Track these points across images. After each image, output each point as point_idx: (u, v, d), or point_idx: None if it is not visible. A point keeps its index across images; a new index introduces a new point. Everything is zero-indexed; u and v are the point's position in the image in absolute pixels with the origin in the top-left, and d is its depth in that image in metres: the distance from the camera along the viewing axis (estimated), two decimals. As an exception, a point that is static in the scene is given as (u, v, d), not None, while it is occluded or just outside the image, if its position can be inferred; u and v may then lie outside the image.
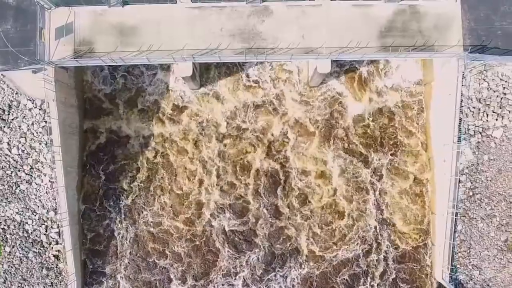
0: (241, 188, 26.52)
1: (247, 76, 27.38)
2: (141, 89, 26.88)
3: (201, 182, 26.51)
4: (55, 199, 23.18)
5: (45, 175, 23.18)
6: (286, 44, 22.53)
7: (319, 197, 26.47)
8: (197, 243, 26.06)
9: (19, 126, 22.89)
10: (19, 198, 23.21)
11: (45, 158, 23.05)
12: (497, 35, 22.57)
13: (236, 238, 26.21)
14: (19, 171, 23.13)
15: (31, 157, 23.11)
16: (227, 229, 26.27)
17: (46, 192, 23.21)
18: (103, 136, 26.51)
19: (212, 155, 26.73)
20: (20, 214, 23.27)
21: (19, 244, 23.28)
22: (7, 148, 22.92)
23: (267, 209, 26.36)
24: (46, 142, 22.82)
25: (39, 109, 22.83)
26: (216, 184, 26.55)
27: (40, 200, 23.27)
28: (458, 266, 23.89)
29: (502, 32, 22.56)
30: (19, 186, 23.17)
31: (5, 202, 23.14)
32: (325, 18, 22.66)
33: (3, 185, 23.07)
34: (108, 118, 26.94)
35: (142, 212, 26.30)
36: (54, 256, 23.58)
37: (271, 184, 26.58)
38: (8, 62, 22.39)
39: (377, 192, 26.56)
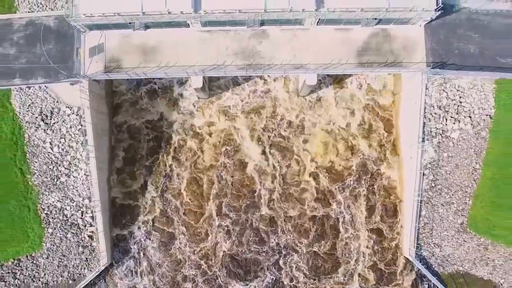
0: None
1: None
2: (161, 97, 31.94)
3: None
4: (89, 189, 28.10)
5: (81, 169, 28.06)
6: (280, 61, 27.31)
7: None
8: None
9: (59, 129, 27.71)
10: (60, 188, 28.11)
11: (81, 155, 27.92)
12: (455, 53, 27.30)
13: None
14: (59, 166, 27.98)
15: (70, 155, 27.98)
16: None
17: (82, 183, 28.12)
18: (127, 137, 31.52)
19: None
20: (60, 201, 28.19)
21: (60, 226, 28.20)
22: (50, 147, 27.75)
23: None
24: (82, 142, 27.68)
25: (76, 115, 27.60)
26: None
27: (77, 190, 28.18)
28: (422, 244, 28.88)
29: (458, 52, 27.29)
30: (59, 179, 28.05)
31: (48, 192, 28.03)
32: (312, 40, 27.41)
33: (47, 177, 27.94)
34: (133, 122, 31.97)
35: (161, 202, 31.35)
36: (88, 236, 28.53)
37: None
38: (50, 76, 27.13)
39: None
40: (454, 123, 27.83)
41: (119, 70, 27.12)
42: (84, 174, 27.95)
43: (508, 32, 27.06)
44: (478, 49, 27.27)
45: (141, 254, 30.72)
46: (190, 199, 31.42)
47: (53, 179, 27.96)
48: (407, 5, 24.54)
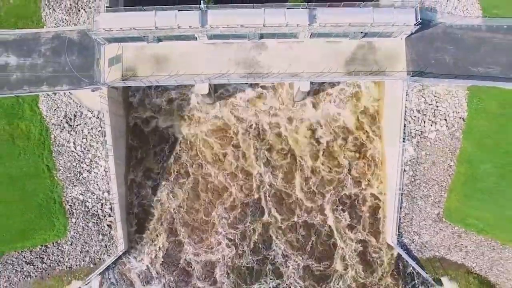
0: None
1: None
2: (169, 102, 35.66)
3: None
4: (108, 184, 31.70)
5: (100, 166, 31.64)
6: (277, 70, 30.81)
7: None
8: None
9: (82, 130, 31.25)
10: (82, 183, 31.74)
11: (100, 153, 31.49)
12: (432, 63, 30.77)
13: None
14: (81, 163, 31.56)
15: (90, 153, 31.56)
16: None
17: (102, 178, 31.71)
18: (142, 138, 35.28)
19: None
20: (82, 194, 31.83)
21: (82, 217, 31.84)
22: (73, 146, 31.32)
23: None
24: (102, 142, 31.22)
25: (96, 118, 31.13)
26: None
27: (97, 184, 31.78)
28: (403, 232, 32.53)
29: (435, 62, 30.75)
30: (82, 174, 31.66)
31: (72, 186, 31.65)
32: (306, 51, 30.90)
33: (70, 173, 31.53)
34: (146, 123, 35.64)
35: (171, 197, 35.06)
36: (107, 225, 32.17)
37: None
38: (73, 84, 30.65)
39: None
40: (431, 125, 31.36)
41: (134, 78, 30.60)
42: (104, 170, 31.54)
43: (478, 45, 30.54)
44: (452, 59, 30.74)
45: (155, 243, 34.62)
46: (195, 207, 35.25)
47: (76, 175, 31.58)
48: (389, 21, 28.03)
